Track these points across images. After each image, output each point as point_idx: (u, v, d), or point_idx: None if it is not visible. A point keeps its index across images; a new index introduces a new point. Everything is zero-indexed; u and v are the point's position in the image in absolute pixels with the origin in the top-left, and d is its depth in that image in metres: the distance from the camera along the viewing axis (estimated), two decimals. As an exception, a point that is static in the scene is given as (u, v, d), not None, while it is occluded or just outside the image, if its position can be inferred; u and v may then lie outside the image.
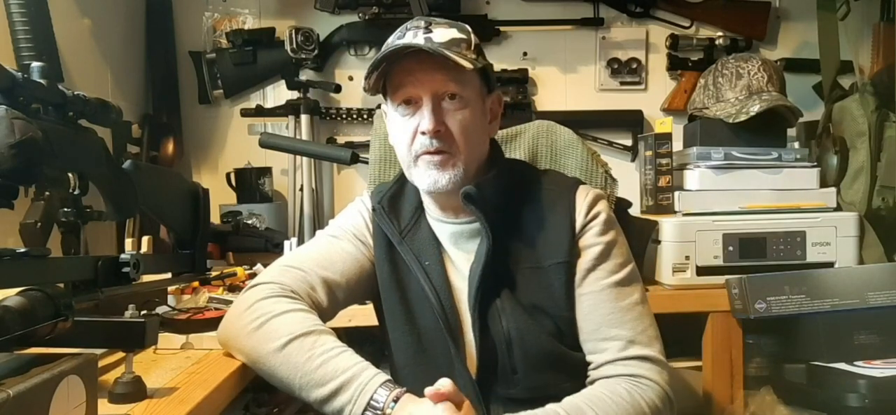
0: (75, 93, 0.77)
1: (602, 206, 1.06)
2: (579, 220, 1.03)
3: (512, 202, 1.05)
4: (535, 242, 1.02)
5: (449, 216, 1.06)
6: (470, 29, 1.02)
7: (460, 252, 1.06)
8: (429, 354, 1.02)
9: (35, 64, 0.72)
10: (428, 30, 0.98)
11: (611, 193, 1.36)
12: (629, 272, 1.03)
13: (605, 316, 0.98)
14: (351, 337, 1.80)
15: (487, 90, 1.05)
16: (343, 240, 1.09)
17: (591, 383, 0.97)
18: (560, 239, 1.01)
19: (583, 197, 1.05)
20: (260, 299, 0.96)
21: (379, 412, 0.84)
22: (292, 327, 0.91)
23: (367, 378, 0.87)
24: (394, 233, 1.06)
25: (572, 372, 0.99)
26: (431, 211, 1.08)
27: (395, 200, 1.10)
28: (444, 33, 0.98)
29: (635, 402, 0.92)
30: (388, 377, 0.89)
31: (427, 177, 1.01)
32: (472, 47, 0.99)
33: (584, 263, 1.01)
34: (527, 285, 1.00)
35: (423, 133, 0.98)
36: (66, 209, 0.80)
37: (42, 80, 0.71)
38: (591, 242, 1.02)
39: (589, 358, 0.99)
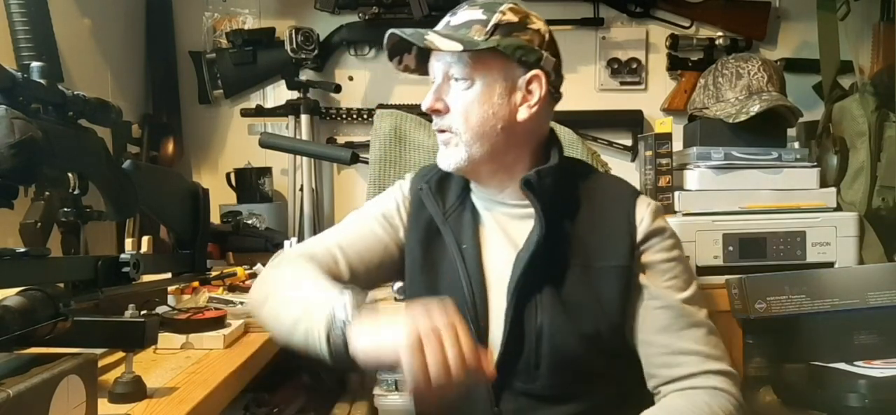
0: (75, 93, 0.77)
1: (665, 220, 1.04)
2: (642, 229, 1.00)
3: (568, 196, 1.02)
4: (588, 242, 0.99)
5: (493, 194, 1.05)
6: (507, 8, 0.98)
7: (502, 236, 1.03)
8: None
9: (35, 64, 0.72)
10: (454, 13, 1.01)
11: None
12: (697, 289, 1.02)
13: (681, 331, 0.97)
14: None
15: (527, 69, 0.99)
16: (372, 221, 1.08)
17: (663, 397, 0.97)
18: (617, 243, 0.98)
19: (645, 206, 1.02)
20: (284, 264, 0.97)
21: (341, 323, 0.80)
22: (313, 275, 0.92)
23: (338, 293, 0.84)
24: (438, 214, 1.04)
25: (593, 378, 0.98)
26: (475, 190, 1.07)
27: (443, 182, 1.09)
28: (464, 15, 0.99)
29: (714, 412, 0.92)
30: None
31: (440, 158, 1.03)
32: (489, 25, 0.96)
33: (653, 276, 0.99)
34: (573, 283, 0.97)
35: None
36: (66, 209, 0.80)
37: (42, 81, 0.71)
38: (661, 256, 1.00)
39: (659, 371, 0.98)
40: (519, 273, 0.96)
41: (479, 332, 0.98)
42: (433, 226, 1.05)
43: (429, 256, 1.04)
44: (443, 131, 1.00)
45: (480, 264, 1.01)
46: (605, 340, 0.97)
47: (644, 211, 1.01)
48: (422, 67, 1.06)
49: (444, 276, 1.02)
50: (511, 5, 1.00)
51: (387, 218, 1.08)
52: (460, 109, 0.98)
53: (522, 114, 0.99)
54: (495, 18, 0.97)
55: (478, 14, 0.98)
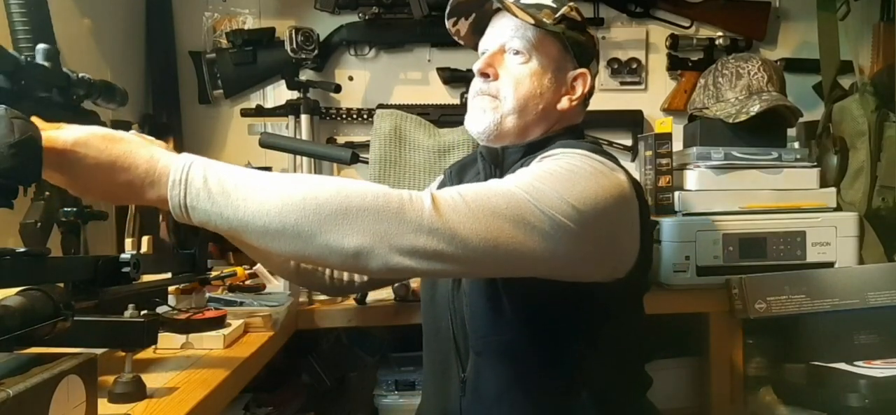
0: (80, 75, 0.77)
1: (570, 151, 0.91)
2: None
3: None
4: None
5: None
6: (572, 6, 1.06)
7: None
8: (440, 306, 1.05)
9: (40, 46, 0.72)
10: None
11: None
12: (544, 189, 0.82)
13: None
14: (351, 338, 1.81)
15: (577, 65, 1.06)
16: None
17: None
18: None
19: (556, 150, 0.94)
20: None
21: None
22: None
23: None
24: None
25: (512, 325, 0.96)
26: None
27: (465, 167, 1.15)
28: None
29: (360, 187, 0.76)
30: None
31: (469, 120, 1.05)
32: (557, 14, 1.03)
33: None
34: None
35: (477, 75, 1.04)
36: (65, 209, 0.80)
37: (46, 63, 0.71)
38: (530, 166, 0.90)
39: None
40: None
41: (458, 301, 1.01)
42: None
43: None
44: (484, 95, 1.03)
45: None
46: (500, 285, 0.95)
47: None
48: (470, 38, 1.12)
49: None
50: (576, 6, 1.06)
51: None
52: (511, 79, 1.02)
53: (563, 104, 1.05)
54: (564, 10, 1.04)
55: (549, 0, 1.04)
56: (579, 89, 1.05)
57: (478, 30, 1.10)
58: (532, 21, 1.00)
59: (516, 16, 1.00)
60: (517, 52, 1.02)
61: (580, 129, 1.11)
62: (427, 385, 1.14)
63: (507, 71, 1.03)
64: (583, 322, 0.96)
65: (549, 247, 0.81)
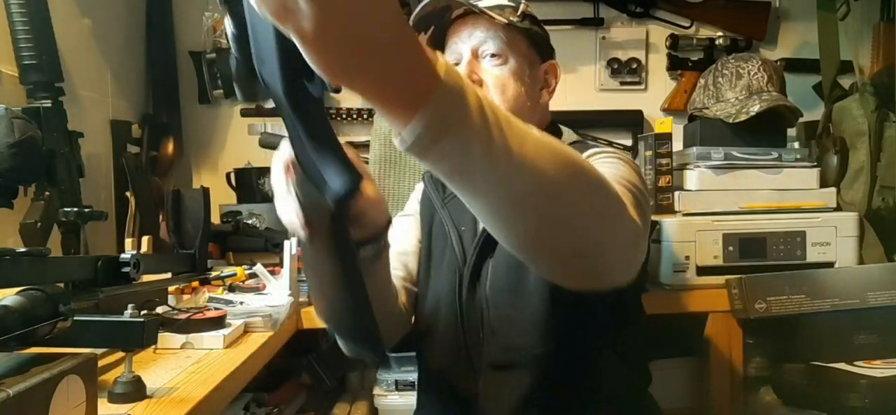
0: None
1: (600, 146, 0.97)
2: None
3: None
4: None
5: None
6: (526, 2, 1.06)
7: None
8: (441, 316, 1.04)
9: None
10: None
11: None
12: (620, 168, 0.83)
13: None
14: (351, 337, 1.80)
15: (541, 58, 1.08)
16: (406, 215, 1.16)
17: None
18: None
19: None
20: None
21: None
22: None
23: None
24: (437, 200, 1.09)
25: (551, 334, 0.95)
26: None
27: None
28: None
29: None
30: None
31: None
32: (518, 12, 1.03)
33: None
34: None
35: None
36: (65, 209, 0.80)
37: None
38: None
39: None
40: (475, 251, 1.00)
41: (472, 312, 1.00)
42: (435, 211, 1.09)
43: (433, 241, 1.08)
44: None
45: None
46: (530, 284, 0.95)
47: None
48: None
49: (444, 258, 1.05)
50: (527, 2, 1.06)
51: (412, 211, 1.15)
52: (496, 83, 1.01)
53: (543, 97, 1.07)
54: (523, 7, 1.04)
55: (507, 0, 1.04)
56: (553, 81, 1.08)
57: (436, 44, 1.07)
58: (505, 21, 1.00)
59: (493, 17, 0.99)
60: (494, 55, 1.01)
61: (557, 124, 1.12)
62: (428, 400, 1.12)
63: (488, 76, 1.01)
64: (605, 322, 0.96)
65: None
